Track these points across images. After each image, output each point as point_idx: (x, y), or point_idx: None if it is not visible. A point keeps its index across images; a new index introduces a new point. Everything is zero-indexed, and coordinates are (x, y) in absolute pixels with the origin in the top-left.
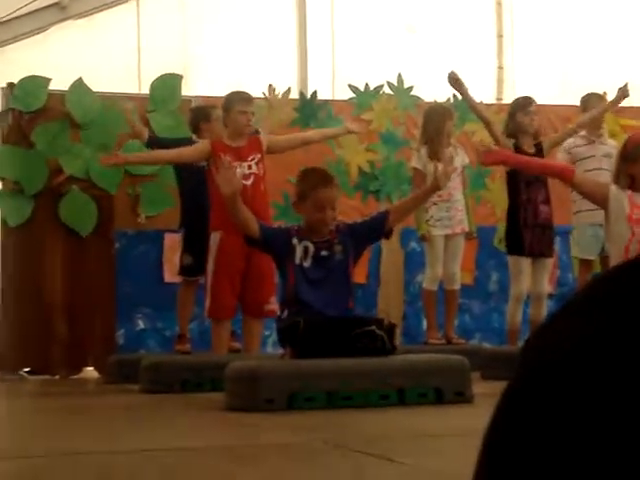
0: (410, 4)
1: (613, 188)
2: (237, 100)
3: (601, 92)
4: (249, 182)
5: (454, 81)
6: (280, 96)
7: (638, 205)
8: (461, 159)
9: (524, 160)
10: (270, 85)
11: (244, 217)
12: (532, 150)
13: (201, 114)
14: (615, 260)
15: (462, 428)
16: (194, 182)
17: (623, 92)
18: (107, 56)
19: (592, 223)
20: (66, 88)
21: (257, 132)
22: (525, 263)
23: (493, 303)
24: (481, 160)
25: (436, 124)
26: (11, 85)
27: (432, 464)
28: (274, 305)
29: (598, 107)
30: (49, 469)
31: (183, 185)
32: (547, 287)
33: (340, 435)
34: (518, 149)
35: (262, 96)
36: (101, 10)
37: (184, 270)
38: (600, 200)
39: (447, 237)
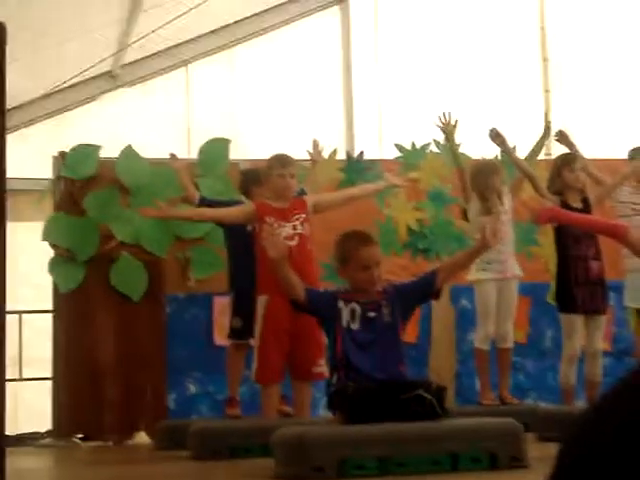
0: (456, 62)
1: None
2: (275, 164)
3: None
4: (294, 242)
5: (496, 137)
6: (327, 156)
7: None
8: (508, 202)
9: (577, 217)
10: (314, 140)
11: (290, 281)
12: (579, 205)
13: (252, 177)
14: None
15: None
16: (242, 245)
17: None
18: (157, 122)
19: None
20: (117, 155)
21: (303, 192)
22: (578, 321)
23: (548, 361)
24: (536, 218)
25: (483, 179)
26: (63, 154)
27: None
28: (323, 367)
29: None
30: None
31: (231, 248)
32: (601, 344)
33: None
34: (565, 205)
35: (308, 157)
36: (151, 77)
37: (233, 333)
38: None
39: (498, 285)
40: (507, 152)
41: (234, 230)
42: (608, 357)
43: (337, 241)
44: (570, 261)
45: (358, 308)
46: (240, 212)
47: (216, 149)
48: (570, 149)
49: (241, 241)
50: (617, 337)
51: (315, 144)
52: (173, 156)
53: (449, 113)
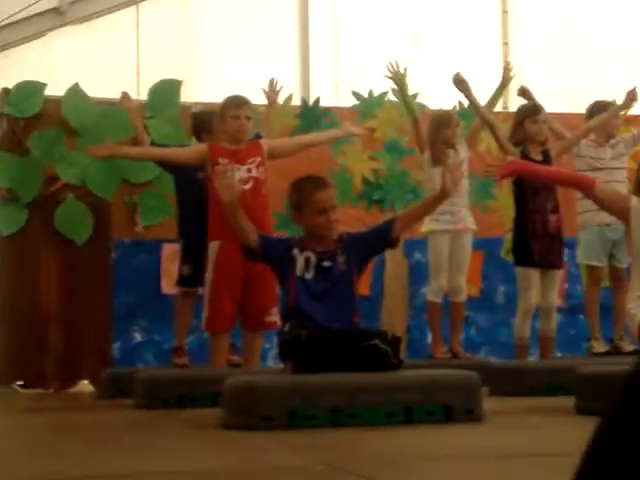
0: (415, 11)
1: (635, 200)
2: (230, 105)
3: (608, 100)
4: (248, 186)
5: (459, 82)
6: (282, 100)
7: None
8: (464, 153)
9: (542, 169)
10: (271, 79)
11: (243, 227)
12: (539, 157)
13: (203, 120)
14: (637, 274)
15: (474, 449)
16: (192, 192)
17: (632, 96)
18: (105, 62)
19: (599, 223)
20: (63, 94)
21: (259, 136)
22: (534, 275)
23: (500, 316)
24: (497, 174)
25: (436, 131)
26: (6, 90)
27: None
28: (275, 317)
29: (607, 112)
30: None
31: (181, 194)
32: (556, 300)
33: (344, 457)
34: (525, 157)
35: (263, 102)
36: (100, 15)
37: (183, 281)
38: (620, 212)
39: (451, 237)
40: (470, 99)
41: (184, 177)
42: (560, 313)
43: (291, 186)
44: (528, 214)
45: (313, 257)
46: (192, 152)
47: (166, 90)
48: (466, 95)
49: (191, 188)
50: (569, 293)
51: (271, 83)
52: (125, 95)
53: (396, 62)
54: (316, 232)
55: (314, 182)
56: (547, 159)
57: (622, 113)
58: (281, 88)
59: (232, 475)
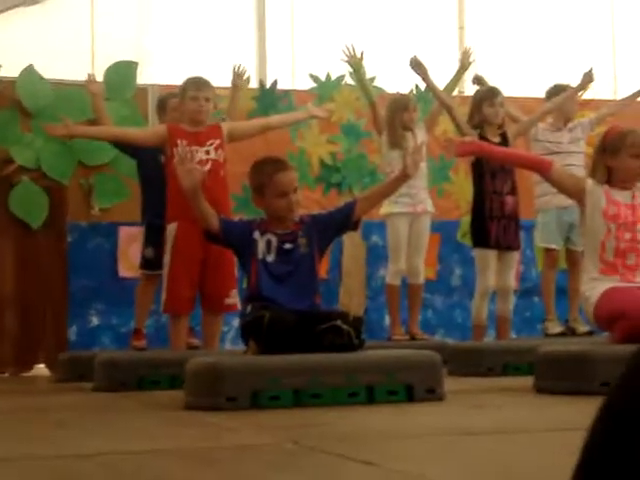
0: None
1: (589, 182)
2: (189, 86)
3: (565, 83)
4: (206, 168)
5: (416, 65)
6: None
7: (614, 200)
8: (422, 136)
9: (500, 150)
10: (234, 65)
11: (204, 211)
12: (497, 139)
13: (159, 105)
14: (590, 257)
15: (438, 427)
16: (156, 174)
17: (589, 77)
18: (60, 43)
19: (557, 206)
20: (17, 75)
21: (223, 119)
22: (491, 256)
23: (456, 298)
24: (455, 151)
25: (394, 114)
26: None
27: (408, 467)
28: (234, 299)
29: (563, 93)
30: None
31: (144, 177)
32: (513, 281)
33: (308, 435)
34: (483, 139)
35: (221, 85)
36: None
37: (145, 264)
38: (576, 194)
39: (409, 220)
40: (427, 82)
41: (146, 160)
42: (515, 295)
43: (251, 169)
44: (485, 196)
45: (274, 240)
46: (151, 133)
47: (123, 72)
48: (423, 78)
49: (154, 171)
50: (524, 276)
51: (235, 69)
52: (91, 78)
53: (352, 45)
54: (277, 214)
55: (275, 164)
56: (505, 141)
57: (579, 94)
58: (244, 71)
59: (200, 453)
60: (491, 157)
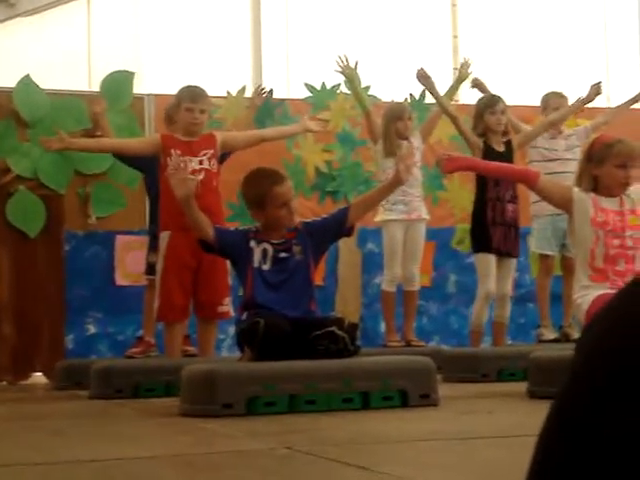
0: (367, 4)
1: (576, 190)
2: (185, 97)
3: (559, 91)
4: (200, 177)
5: (423, 77)
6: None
7: (602, 208)
8: (417, 144)
9: (485, 165)
10: (257, 85)
11: (199, 221)
12: (502, 148)
13: (166, 115)
14: (581, 265)
15: (433, 431)
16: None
17: (596, 90)
18: (57, 53)
19: (552, 213)
20: (14, 85)
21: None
22: (493, 261)
23: (451, 305)
24: (443, 168)
25: (390, 123)
26: None
27: (403, 472)
28: (228, 307)
29: (569, 105)
30: None
31: (150, 188)
32: (510, 288)
33: (303, 441)
34: (488, 147)
35: (216, 94)
36: (51, 7)
37: (150, 269)
38: (563, 204)
39: (404, 227)
40: (433, 94)
41: (153, 173)
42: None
43: (247, 183)
44: (487, 202)
45: (270, 249)
46: (146, 143)
47: (119, 82)
48: (430, 90)
49: (158, 180)
50: (518, 282)
51: (257, 88)
52: (97, 100)
53: (346, 55)
54: (279, 224)
55: (271, 177)
56: (509, 149)
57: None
58: (265, 91)
59: (196, 459)
60: (479, 171)
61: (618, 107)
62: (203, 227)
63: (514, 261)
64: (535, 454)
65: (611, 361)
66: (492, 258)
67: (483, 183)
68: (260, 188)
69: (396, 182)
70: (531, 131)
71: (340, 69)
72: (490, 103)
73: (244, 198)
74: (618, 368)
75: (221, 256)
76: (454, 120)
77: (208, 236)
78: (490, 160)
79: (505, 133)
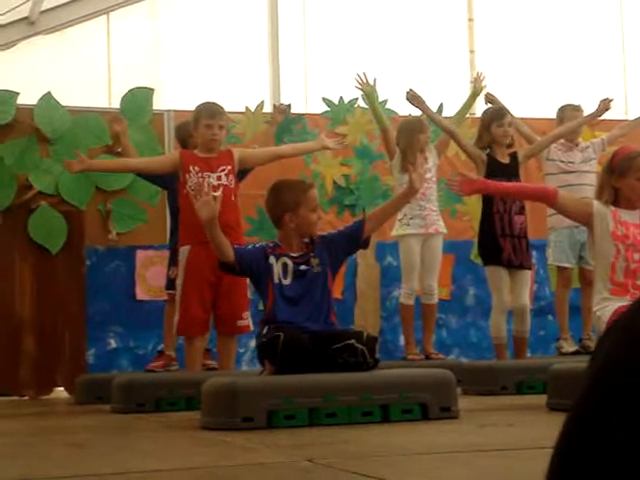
0: (384, 19)
1: (596, 204)
2: (203, 114)
3: (576, 104)
4: (217, 193)
5: (412, 98)
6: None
7: (622, 221)
8: (433, 159)
9: (504, 186)
10: (276, 104)
11: (220, 243)
12: (507, 160)
13: (185, 133)
14: (601, 278)
15: (453, 444)
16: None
17: (605, 105)
18: (77, 71)
19: (569, 225)
20: (35, 102)
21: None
22: (504, 273)
23: (470, 318)
24: (459, 190)
25: (408, 138)
26: None
27: None
28: (247, 321)
29: (577, 119)
30: None
31: (173, 204)
32: (528, 299)
33: (323, 454)
34: (492, 159)
35: (235, 110)
36: (71, 25)
37: (171, 284)
38: (583, 219)
39: (422, 240)
40: (425, 112)
41: (172, 185)
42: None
43: (279, 190)
44: (495, 215)
45: (290, 262)
46: (165, 160)
47: (139, 98)
48: (421, 109)
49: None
50: (538, 295)
51: (277, 105)
52: (116, 119)
53: (364, 73)
54: (309, 229)
55: (303, 183)
56: (514, 162)
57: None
58: (284, 109)
59: (218, 472)
60: (496, 193)
61: (636, 120)
62: (224, 249)
63: (528, 272)
64: (551, 459)
65: (621, 372)
66: (502, 270)
67: (490, 198)
68: (296, 191)
69: (411, 192)
70: (537, 144)
71: (359, 86)
72: (497, 115)
73: (275, 205)
74: (628, 380)
75: (241, 276)
76: (452, 135)
77: (229, 259)
78: (494, 172)
79: (510, 145)
